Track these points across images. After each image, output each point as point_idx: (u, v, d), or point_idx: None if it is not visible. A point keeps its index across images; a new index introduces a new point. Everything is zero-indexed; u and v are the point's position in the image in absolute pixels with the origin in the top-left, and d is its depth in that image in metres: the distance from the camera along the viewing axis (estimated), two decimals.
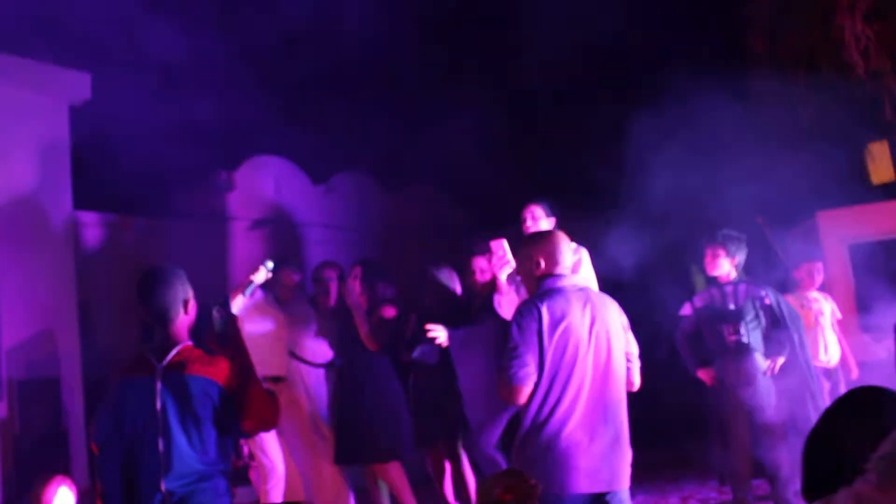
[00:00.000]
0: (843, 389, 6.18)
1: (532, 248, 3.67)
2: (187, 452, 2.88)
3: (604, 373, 3.46)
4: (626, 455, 3.52)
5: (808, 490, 1.87)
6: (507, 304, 5.05)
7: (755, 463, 5.31)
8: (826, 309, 6.33)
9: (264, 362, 5.76)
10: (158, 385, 2.91)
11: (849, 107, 9.66)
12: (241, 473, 7.59)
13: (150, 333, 3.65)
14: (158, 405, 2.89)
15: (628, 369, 3.64)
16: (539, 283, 3.60)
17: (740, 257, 5.43)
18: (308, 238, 9.89)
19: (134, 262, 8.54)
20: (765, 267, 6.34)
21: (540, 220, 5.23)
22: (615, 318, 3.62)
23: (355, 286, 5.62)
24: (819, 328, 6.22)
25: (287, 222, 9.82)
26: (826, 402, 5.94)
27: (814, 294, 6.33)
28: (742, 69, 10.38)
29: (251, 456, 6.19)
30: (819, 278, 6.37)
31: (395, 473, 5.49)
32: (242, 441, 6.18)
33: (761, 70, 10.40)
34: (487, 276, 5.46)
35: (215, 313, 3.07)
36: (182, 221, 9.21)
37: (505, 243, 4.81)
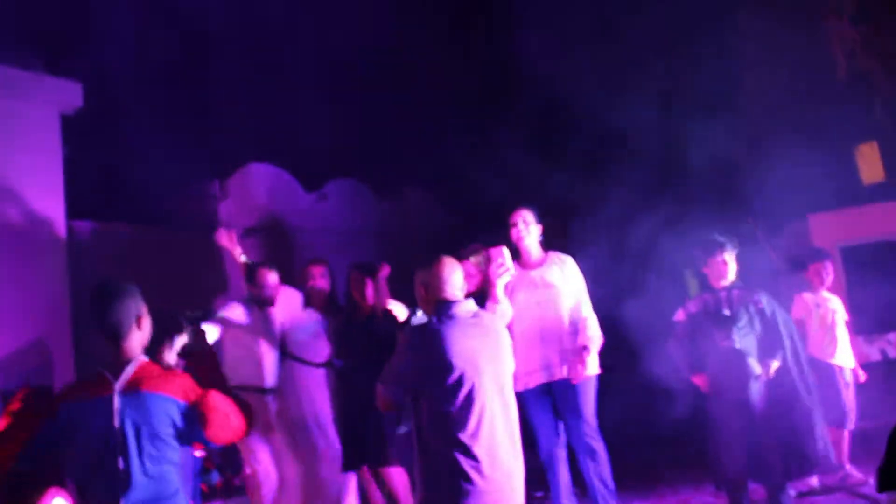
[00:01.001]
0: (852, 392, 6.13)
1: (422, 275, 3.81)
2: (146, 471, 2.87)
3: (499, 395, 3.60)
4: (521, 473, 3.66)
5: (887, 481, 1.89)
6: (501, 313, 5.00)
7: (751, 467, 5.32)
8: (839, 308, 6.25)
9: (252, 374, 5.72)
10: (116, 404, 2.89)
11: (837, 108, 9.72)
12: (231, 488, 7.59)
13: (168, 338, 3.62)
14: (117, 424, 2.87)
15: None
16: (432, 309, 3.74)
17: None
18: (301, 245, 9.88)
19: (128, 270, 8.53)
20: (756, 270, 6.34)
21: (530, 224, 5.19)
22: (504, 342, 3.78)
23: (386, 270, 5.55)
24: (836, 327, 6.14)
25: (280, 230, 9.81)
26: (843, 402, 5.93)
27: (825, 294, 6.25)
28: (732, 71, 10.43)
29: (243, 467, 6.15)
30: (829, 278, 6.29)
31: (399, 477, 5.45)
32: (240, 453, 6.14)
33: (751, 71, 10.45)
34: (475, 282, 5.39)
35: (186, 326, 3.08)
36: (175, 230, 9.19)
37: (505, 251, 4.76)
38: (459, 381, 3.52)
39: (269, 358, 5.78)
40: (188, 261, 8.79)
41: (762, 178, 9.02)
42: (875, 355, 6.99)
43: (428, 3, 12.56)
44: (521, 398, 4.98)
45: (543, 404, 5.00)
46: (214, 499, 7.42)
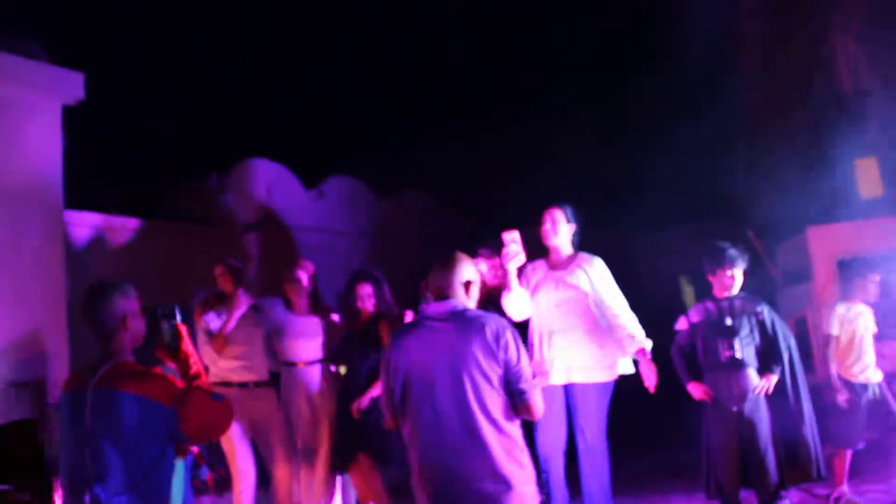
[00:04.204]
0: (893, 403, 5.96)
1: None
2: (115, 466, 2.88)
3: (459, 411, 3.18)
4: (489, 484, 3.17)
5: None
6: (515, 302, 4.88)
7: (743, 476, 5.33)
8: (870, 322, 6.06)
9: (248, 367, 5.72)
10: (89, 400, 2.91)
11: (838, 123, 9.77)
12: (221, 483, 7.57)
13: (152, 336, 3.65)
14: (88, 420, 2.90)
15: (524, 395, 3.22)
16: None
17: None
18: (299, 242, 9.87)
19: (125, 263, 8.51)
20: (755, 281, 6.31)
21: (559, 224, 5.11)
22: (481, 343, 3.21)
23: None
24: (863, 342, 5.92)
25: (278, 226, 9.79)
26: (855, 422, 5.78)
27: (861, 307, 6.05)
28: (735, 85, 10.46)
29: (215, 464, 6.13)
30: (875, 290, 6.07)
31: (376, 481, 5.40)
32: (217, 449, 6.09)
33: (754, 86, 10.48)
34: (488, 279, 5.33)
35: (163, 324, 3.10)
36: (173, 223, 9.17)
37: (517, 235, 4.64)
38: (409, 395, 3.24)
39: (265, 354, 5.82)
40: (185, 255, 8.77)
41: (762, 192, 9.04)
42: None
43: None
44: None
45: (555, 405, 4.91)
46: (205, 494, 7.39)
